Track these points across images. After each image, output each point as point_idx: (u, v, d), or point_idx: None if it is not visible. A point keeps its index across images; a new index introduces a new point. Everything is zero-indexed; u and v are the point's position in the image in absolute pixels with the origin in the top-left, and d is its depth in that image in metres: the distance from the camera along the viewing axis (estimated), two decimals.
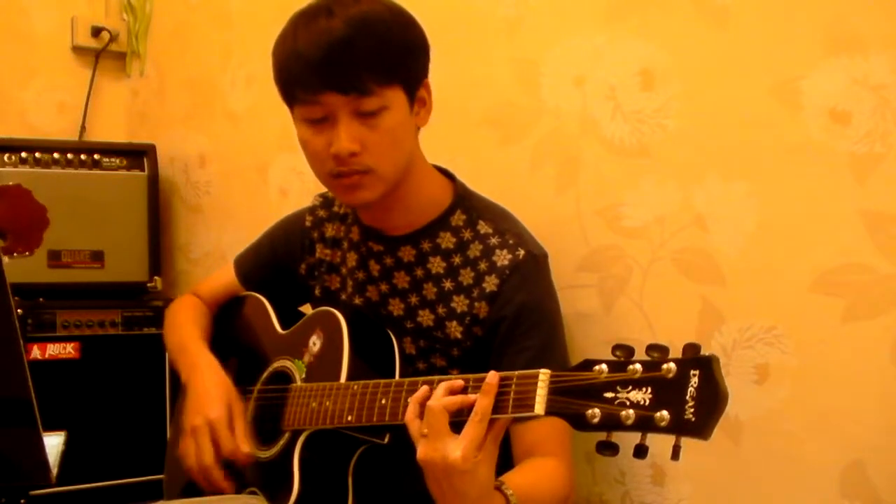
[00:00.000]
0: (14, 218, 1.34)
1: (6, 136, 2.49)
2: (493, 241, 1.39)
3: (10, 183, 1.34)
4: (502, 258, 1.37)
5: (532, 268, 1.38)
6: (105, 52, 2.82)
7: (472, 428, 1.07)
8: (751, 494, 1.45)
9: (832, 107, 1.36)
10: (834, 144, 1.36)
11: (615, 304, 1.61)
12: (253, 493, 1.43)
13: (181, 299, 1.74)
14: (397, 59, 1.30)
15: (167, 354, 1.72)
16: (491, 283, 1.37)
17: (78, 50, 2.81)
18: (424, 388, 1.14)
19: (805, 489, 1.40)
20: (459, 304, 1.39)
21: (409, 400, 1.14)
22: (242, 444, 1.39)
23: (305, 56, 1.27)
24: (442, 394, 1.11)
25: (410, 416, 1.12)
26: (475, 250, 1.40)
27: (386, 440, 1.29)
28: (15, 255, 1.33)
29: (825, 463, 1.37)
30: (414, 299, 1.43)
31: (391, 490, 1.41)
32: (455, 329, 1.39)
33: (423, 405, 1.11)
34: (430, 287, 1.41)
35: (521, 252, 1.37)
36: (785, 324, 1.41)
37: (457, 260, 1.40)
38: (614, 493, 1.63)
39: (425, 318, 1.41)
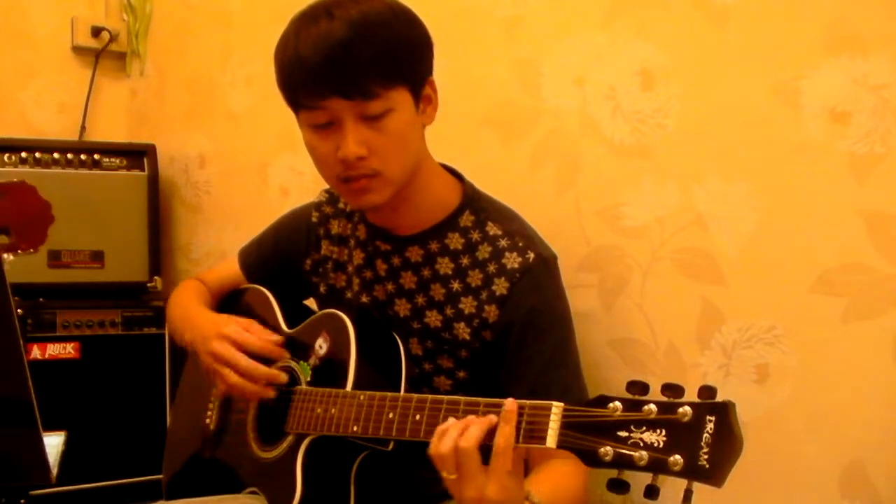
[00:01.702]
0: (18, 214, 1.33)
1: (6, 136, 2.49)
2: (503, 242, 1.39)
3: (14, 179, 1.33)
4: (512, 261, 1.37)
5: (542, 271, 1.37)
6: (105, 52, 2.82)
7: (500, 460, 1.05)
8: (751, 494, 1.45)
9: (832, 107, 1.36)
10: (834, 144, 1.36)
11: (615, 304, 1.61)
12: (254, 493, 1.43)
13: (185, 283, 1.73)
14: (401, 59, 1.29)
15: (167, 323, 1.71)
16: (501, 286, 1.36)
17: (78, 50, 2.80)
18: (451, 427, 1.09)
19: (805, 489, 1.40)
20: (467, 305, 1.38)
21: (434, 432, 1.10)
22: (266, 338, 1.39)
23: (307, 61, 1.26)
24: (476, 434, 1.07)
25: (436, 451, 1.09)
26: (484, 252, 1.39)
27: (389, 447, 1.29)
28: (19, 252, 1.32)
29: (825, 463, 1.37)
30: (421, 300, 1.42)
31: (393, 495, 1.41)
32: (463, 330, 1.38)
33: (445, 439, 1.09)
34: (437, 288, 1.41)
35: (531, 255, 1.37)
36: (785, 324, 1.42)
37: (465, 261, 1.40)
38: (614, 494, 1.63)
39: (433, 318, 1.41)
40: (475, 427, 1.07)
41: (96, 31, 2.79)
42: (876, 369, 1.33)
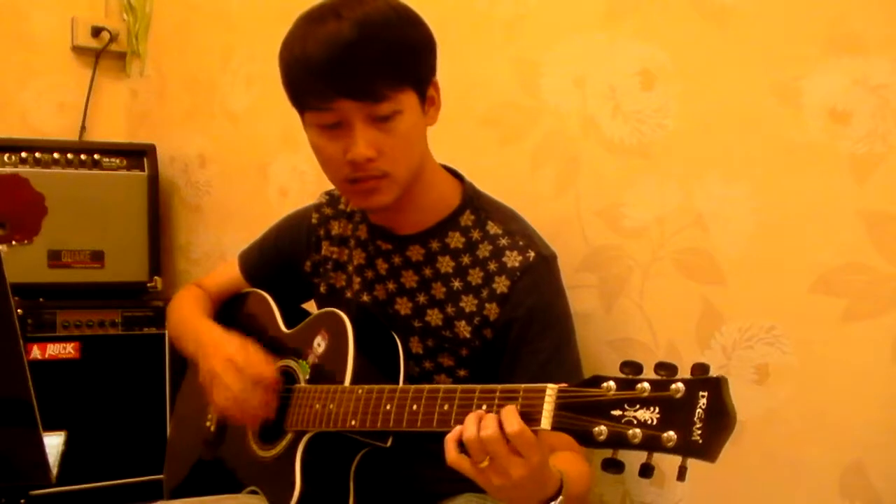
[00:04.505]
0: (12, 206, 1.35)
1: (6, 136, 2.49)
2: (503, 241, 1.39)
3: (8, 171, 1.34)
4: (512, 259, 1.37)
5: (542, 269, 1.38)
6: (105, 52, 2.82)
7: (521, 433, 1.05)
8: (751, 494, 1.45)
9: (832, 107, 1.36)
10: (834, 144, 1.36)
11: (615, 304, 1.61)
12: (253, 492, 1.43)
13: (185, 290, 1.73)
14: (407, 61, 1.29)
15: (168, 332, 1.72)
16: (501, 285, 1.36)
17: (78, 50, 2.81)
18: (465, 428, 1.08)
19: (805, 489, 1.40)
20: (468, 303, 1.39)
21: (447, 441, 1.09)
22: (265, 367, 1.39)
23: (316, 62, 1.26)
24: (490, 423, 1.06)
25: (455, 457, 1.08)
26: (484, 250, 1.39)
27: (388, 443, 1.29)
28: (14, 243, 1.33)
29: (825, 463, 1.37)
30: (422, 298, 1.42)
31: (393, 493, 1.41)
32: (464, 329, 1.39)
33: (460, 442, 1.08)
34: (438, 286, 1.41)
35: (532, 253, 1.37)
36: (785, 324, 1.42)
37: (465, 260, 1.40)
38: (614, 493, 1.63)
39: (434, 317, 1.41)
40: (488, 418, 1.07)
41: (96, 31, 2.80)
42: (876, 369, 1.33)
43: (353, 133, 1.28)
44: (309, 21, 1.30)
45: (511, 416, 1.05)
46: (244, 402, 1.38)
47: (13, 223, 1.33)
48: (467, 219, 1.42)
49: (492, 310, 1.37)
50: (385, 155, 1.30)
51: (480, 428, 1.06)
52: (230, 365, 1.40)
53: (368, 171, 1.31)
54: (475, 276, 1.39)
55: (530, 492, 1.09)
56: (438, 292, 1.41)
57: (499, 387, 1.10)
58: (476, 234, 1.41)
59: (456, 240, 1.41)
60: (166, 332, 2.40)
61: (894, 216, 1.31)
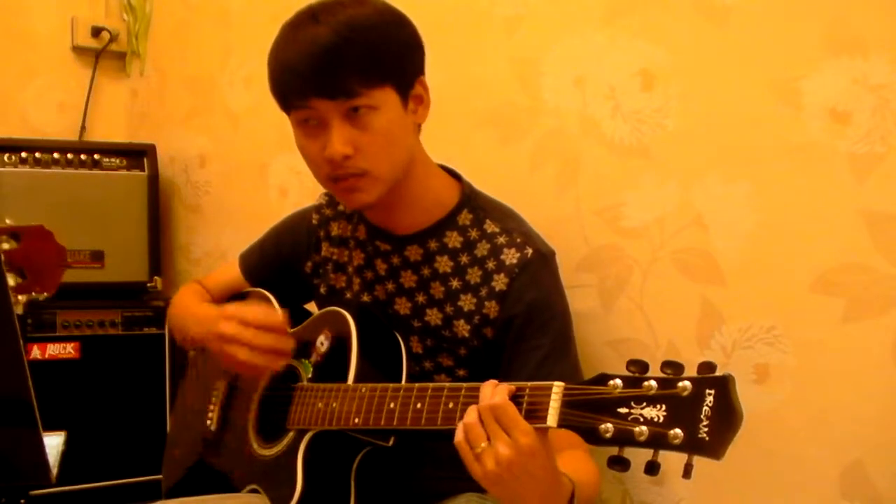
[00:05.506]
0: (33, 258, 1.35)
1: (6, 136, 2.49)
2: (501, 239, 1.39)
3: (34, 224, 1.35)
4: (511, 257, 1.37)
5: (541, 266, 1.38)
6: (105, 52, 2.82)
7: (503, 411, 1.06)
8: (751, 494, 1.46)
9: (832, 107, 1.36)
10: (834, 144, 1.36)
11: (615, 304, 1.61)
12: (254, 491, 1.43)
13: (186, 286, 1.75)
14: (385, 60, 1.31)
15: (170, 325, 1.73)
16: (500, 282, 1.37)
17: (78, 50, 2.81)
18: (472, 410, 1.09)
19: (805, 489, 1.40)
20: (467, 302, 1.39)
21: (463, 418, 1.10)
22: (270, 311, 1.40)
23: (293, 65, 1.29)
24: (489, 390, 1.09)
25: (462, 426, 1.09)
26: (483, 249, 1.40)
27: (390, 443, 1.29)
28: (32, 294, 1.34)
29: (825, 463, 1.37)
30: (421, 298, 1.43)
31: (394, 493, 1.41)
32: (463, 328, 1.39)
33: (467, 424, 1.09)
34: (437, 286, 1.42)
35: (530, 250, 1.38)
36: (785, 324, 1.42)
37: (464, 259, 1.41)
38: (614, 493, 1.63)
39: (433, 317, 1.41)
40: (484, 391, 1.09)
41: (96, 31, 2.80)
42: (876, 369, 1.33)
43: (329, 132, 1.30)
44: (290, 27, 1.33)
45: (501, 390, 1.08)
46: (257, 347, 1.35)
47: (34, 274, 1.34)
48: (465, 218, 1.42)
49: (491, 308, 1.37)
50: (362, 152, 1.31)
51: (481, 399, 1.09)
52: (233, 320, 1.37)
53: (347, 169, 1.32)
54: (474, 275, 1.39)
55: (529, 489, 1.08)
56: (437, 292, 1.41)
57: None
58: (474, 234, 1.41)
59: (454, 239, 1.42)
60: (166, 331, 2.40)
61: (894, 216, 1.31)
